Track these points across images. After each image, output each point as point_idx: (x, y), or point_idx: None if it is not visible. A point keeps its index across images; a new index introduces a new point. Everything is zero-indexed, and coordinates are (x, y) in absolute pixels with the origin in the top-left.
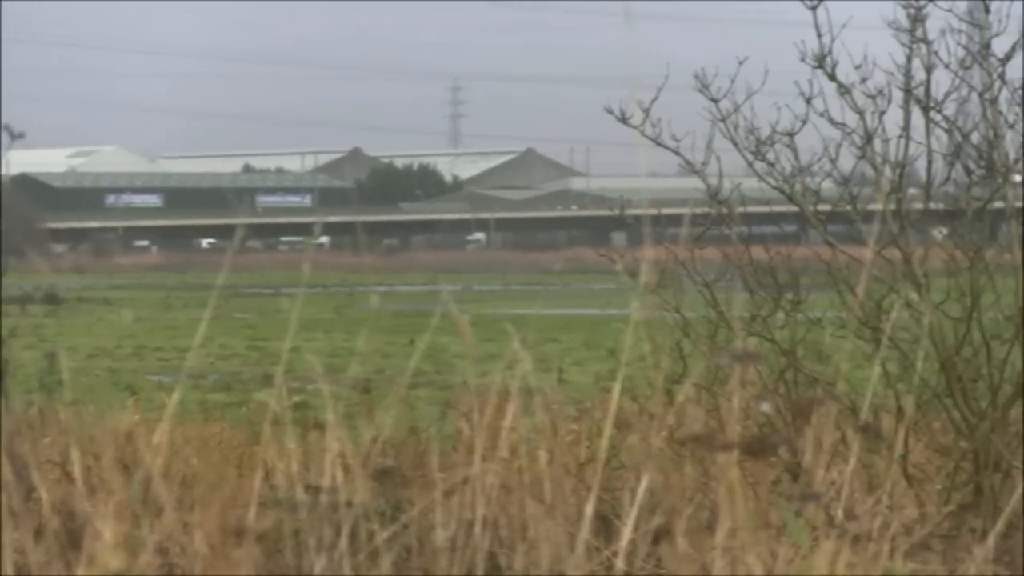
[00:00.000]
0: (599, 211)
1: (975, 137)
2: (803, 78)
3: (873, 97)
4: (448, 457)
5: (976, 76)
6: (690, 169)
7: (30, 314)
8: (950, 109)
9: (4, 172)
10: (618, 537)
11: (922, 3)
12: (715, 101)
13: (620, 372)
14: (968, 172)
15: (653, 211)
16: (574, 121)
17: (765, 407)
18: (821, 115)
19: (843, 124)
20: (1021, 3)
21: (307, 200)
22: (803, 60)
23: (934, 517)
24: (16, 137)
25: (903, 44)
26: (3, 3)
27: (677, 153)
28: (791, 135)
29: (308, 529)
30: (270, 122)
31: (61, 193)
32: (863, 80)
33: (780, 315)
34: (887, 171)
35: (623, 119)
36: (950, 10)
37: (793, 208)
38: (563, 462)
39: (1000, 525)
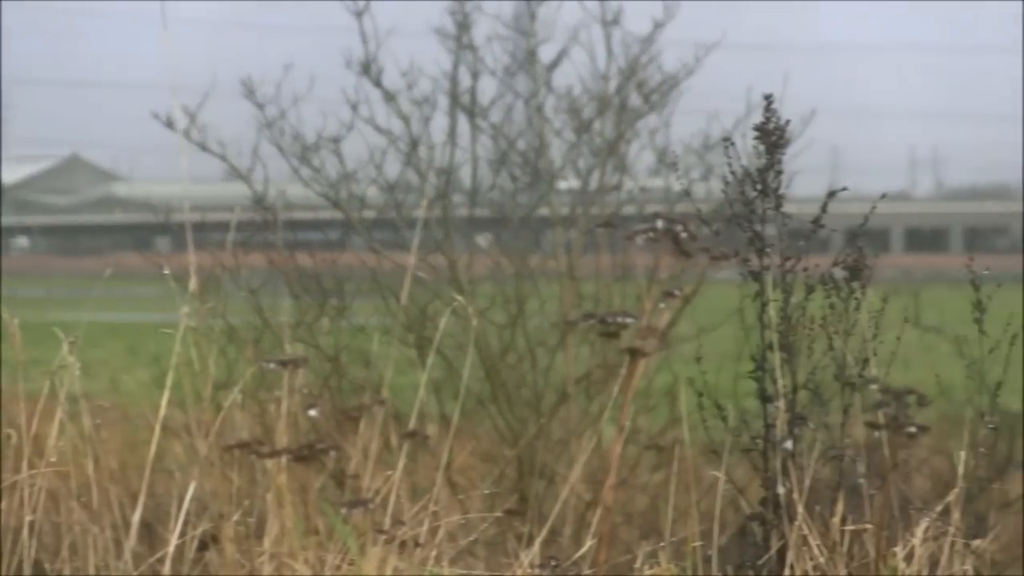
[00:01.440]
0: (143, 216)
1: (521, 144)
2: (350, 85)
3: (419, 104)
4: None
5: (522, 83)
6: (236, 174)
7: None
8: (496, 116)
9: None
10: (164, 543)
11: (468, 8)
12: (261, 107)
13: (168, 378)
14: (514, 179)
15: (197, 217)
16: (119, 126)
17: (313, 413)
18: (367, 122)
19: (389, 131)
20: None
21: None
22: (348, 67)
23: (479, 523)
24: None
25: (449, 50)
26: None
27: (223, 159)
28: (336, 141)
29: None
30: None
31: None
32: (409, 87)
33: (325, 321)
34: (432, 178)
35: (168, 124)
36: (497, 17)
37: (339, 214)
38: (109, 468)
39: (545, 531)
